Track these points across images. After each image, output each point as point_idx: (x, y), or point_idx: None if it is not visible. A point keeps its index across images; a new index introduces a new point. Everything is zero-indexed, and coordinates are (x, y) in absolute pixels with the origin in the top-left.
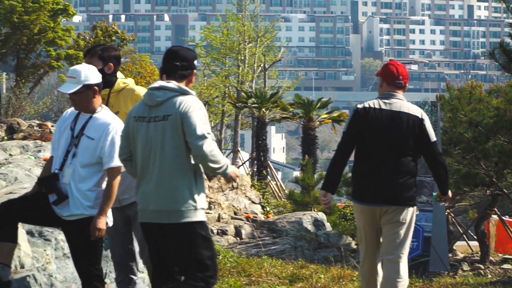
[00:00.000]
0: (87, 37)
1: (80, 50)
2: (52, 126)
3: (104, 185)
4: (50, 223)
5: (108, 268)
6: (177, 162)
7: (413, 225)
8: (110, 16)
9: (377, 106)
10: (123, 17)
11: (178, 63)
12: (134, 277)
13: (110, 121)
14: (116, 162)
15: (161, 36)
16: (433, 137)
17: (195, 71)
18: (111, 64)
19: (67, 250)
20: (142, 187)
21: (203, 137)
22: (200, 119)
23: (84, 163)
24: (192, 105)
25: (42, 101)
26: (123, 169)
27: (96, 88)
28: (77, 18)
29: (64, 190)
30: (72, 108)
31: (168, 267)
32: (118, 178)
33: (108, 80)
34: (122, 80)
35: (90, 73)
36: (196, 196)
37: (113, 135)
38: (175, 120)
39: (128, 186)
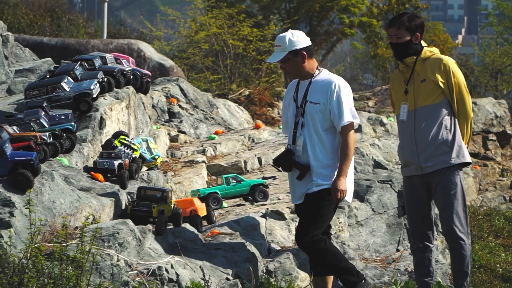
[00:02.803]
0: (381, 5)
1: (373, 17)
2: None
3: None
4: None
5: (402, 235)
6: None
7: None
8: None
9: None
10: None
11: None
12: (431, 245)
13: (331, 81)
14: (347, 118)
15: (454, 4)
16: None
17: None
18: (418, 34)
19: (360, 218)
20: None
21: None
22: None
23: (315, 130)
24: None
25: (335, 68)
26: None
27: (304, 52)
28: None
29: (304, 162)
30: (293, 82)
31: None
32: (353, 135)
33: (415, 49)
34: (428, 49)
35: (295, 39)
36: None
37: (337, 93)
38: None
39: (431, 154)
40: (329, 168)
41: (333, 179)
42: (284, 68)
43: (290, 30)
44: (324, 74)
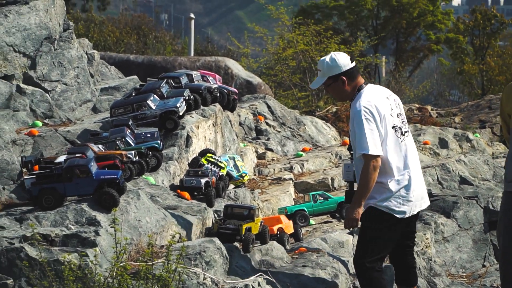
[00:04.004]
0: (467, 21)
1: (459, 33)
2: (431, 109)
3: (383, 177)
4: None
5: (488, 251)
6: None
7: None
8: (489, 0)
9: None
10: (502, 0)
11: None
12: None
13: (355, 107)
14: (361, 149)
15: None
16: None
17: None
18: None
19: (446, 233)
20: None
21: None
22: None
23: (355, 156)
24: None
25: (422, 84)
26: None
27: (343, 77)
28: (456, 2)
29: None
30: None
31: None
32: (369, 166)
33: None
34: None
35: (333, 64)
36: None
37: (352, 122)
38: None
39: None
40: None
41: (373, 201)
42: (328, 92)
43: (331, 53)
44: (357, 97)
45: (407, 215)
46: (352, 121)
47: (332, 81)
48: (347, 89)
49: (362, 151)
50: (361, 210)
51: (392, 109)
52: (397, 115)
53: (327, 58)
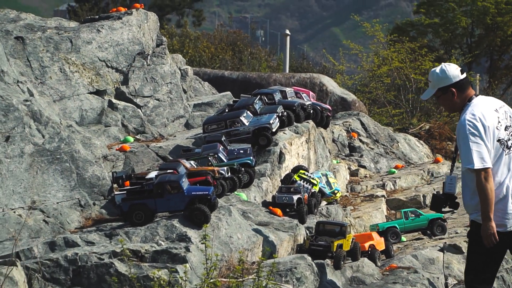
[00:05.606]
0: None
1: None
2: None
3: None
4: None
5: None
6: None
7: None
8: None
9: None
10: None
11: None
12: None
13: (460, 121)
14: (467, 163)
15: None
16: None
17: None
18: None
19: None
20: None
21: None
22: None
23: (462, 168)
24: None
25: None
26: None
27: (453, 89)
28: None
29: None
30: None
31: None
32: (480, 180)
33: None
34: None
35: (442, 75)
36: None
37: (460, 135)
38: None
39: None
40: (470, 205)
41: (474, 215)
42: (438, 103)
43: (442, 64)
44: (464, 110)
45: (508, 229)
46: (458, 134)
47: (442, 92)
48: (457, 101)
49: (467, 166)
50: (493, 223)
51: (499, 122)
52: (505, 127)
53: (437, 69)
